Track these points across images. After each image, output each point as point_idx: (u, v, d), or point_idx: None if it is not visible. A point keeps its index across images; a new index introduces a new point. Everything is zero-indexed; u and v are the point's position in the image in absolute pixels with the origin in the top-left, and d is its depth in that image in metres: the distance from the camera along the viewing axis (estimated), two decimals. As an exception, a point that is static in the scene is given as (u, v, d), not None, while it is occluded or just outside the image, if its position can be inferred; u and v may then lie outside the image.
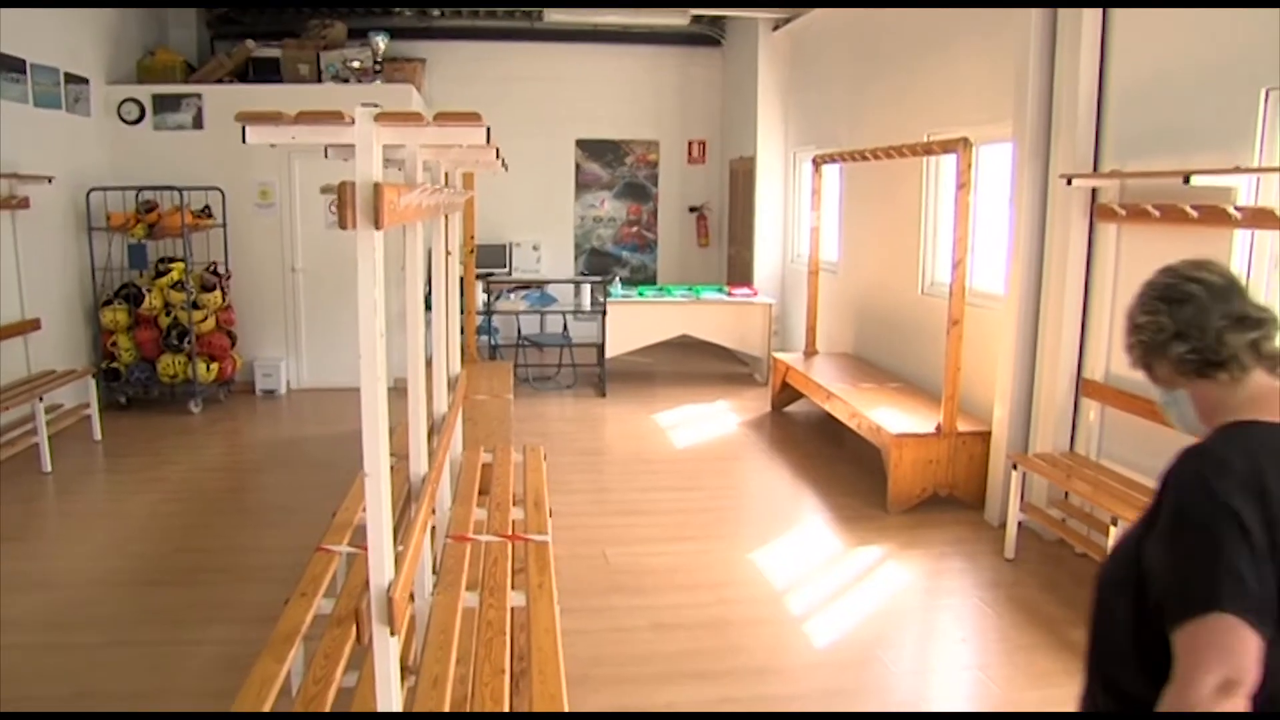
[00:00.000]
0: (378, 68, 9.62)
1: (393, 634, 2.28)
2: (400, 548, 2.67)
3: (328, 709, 2.79)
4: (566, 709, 2.72)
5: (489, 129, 2.37)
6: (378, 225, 2.09)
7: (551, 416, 8.62)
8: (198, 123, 8.88)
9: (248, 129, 2.20)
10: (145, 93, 8.84)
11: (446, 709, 2.67)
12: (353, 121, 2.14)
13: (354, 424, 7.51)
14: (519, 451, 5.32)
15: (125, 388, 8.36)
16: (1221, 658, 1.46)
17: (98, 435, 7.41)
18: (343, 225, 2.07)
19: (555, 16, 9.71)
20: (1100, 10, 5.08)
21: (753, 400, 8.97)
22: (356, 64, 9.41)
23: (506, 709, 2.74)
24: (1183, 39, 4.61)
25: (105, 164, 8.50)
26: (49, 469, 6.56)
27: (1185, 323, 1.80)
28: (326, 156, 3.06)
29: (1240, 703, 1.44)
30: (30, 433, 6.63)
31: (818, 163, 8.35)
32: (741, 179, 11.02)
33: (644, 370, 10.24)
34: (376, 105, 2.22)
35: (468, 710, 2.83)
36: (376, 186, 2.06)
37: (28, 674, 3.86)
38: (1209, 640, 1.48)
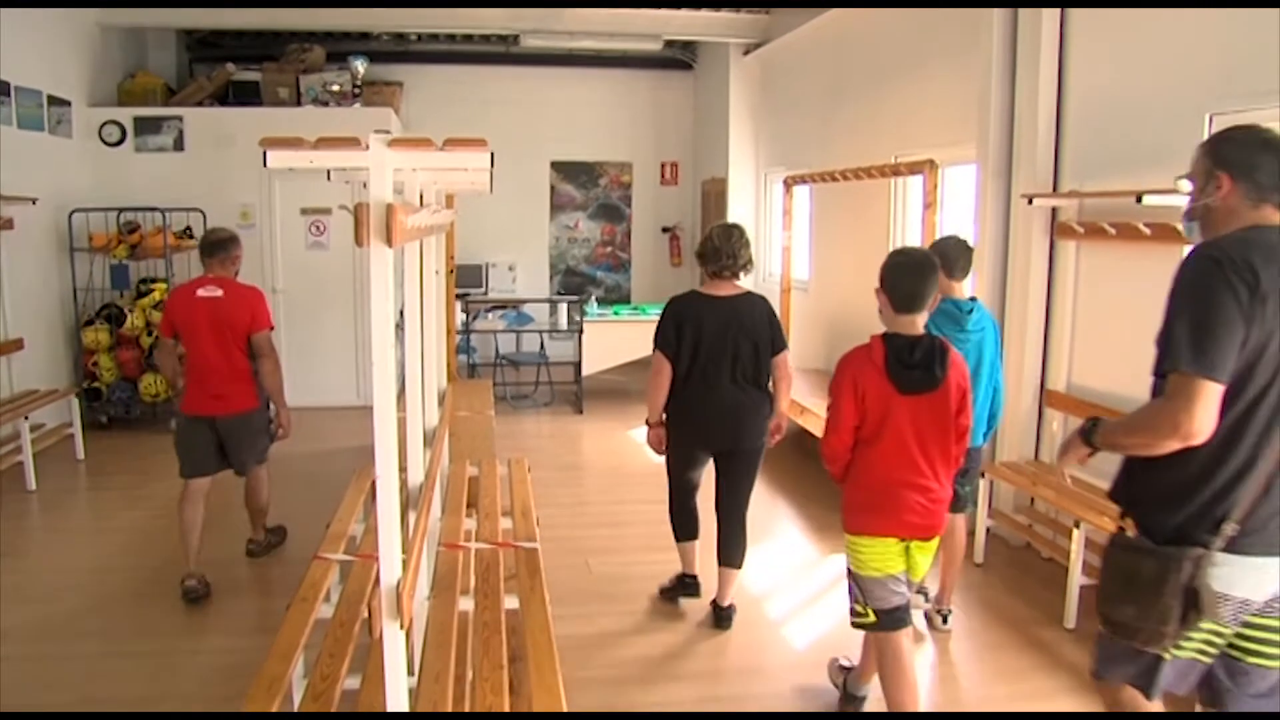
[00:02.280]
0: (357, 91, 9.77)
1: (402, 627, 2.43)
2: (404, 556, 2.82)
3: (334, 708, 2.92)
4: (564, 702, 2.87)
5: (493, 154, 2.54)
6: (389, 243, 2.24)
7: (530, 433, 8.76)
8: (179, 145, 8.99)
9: (268, 153, 2.35)
10: (126, 115, 8.94)
11: (449, 703, 2.80)
12: (368, 147, 2.30)
13: (336, 441, 7.66)
14: (504, 465, 5.47)
15: (107, 407, 8.41)
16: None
17: (80, 455, 7.47)
18: (358, 243, 2.23)
19: (531, 42, 9.89)
20: (1057, 38, 5.34)
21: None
22: (336, 87, 9.57)
23: (506, 701, 2.88)
24: (1134, 67, 4.88)
25: (87, 185, 8.58)
26: (34, 487, 6.62)
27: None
28: (330, 179, 3.21)
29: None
30: (14, 452, 6.68)
31: (789, 184, 8.55)
32: (714, 200, 11.24)
33: (620, 388, 10.39)
34: (388, 132, 2.38)
35: (469, 704, 2.97)
36: (389, 207, 2.21)
37: (30, 684, 3.95)
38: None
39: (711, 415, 4.46)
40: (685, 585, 4.84)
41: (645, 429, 4.70)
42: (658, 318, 4.55)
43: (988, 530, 5.43)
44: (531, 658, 3.09)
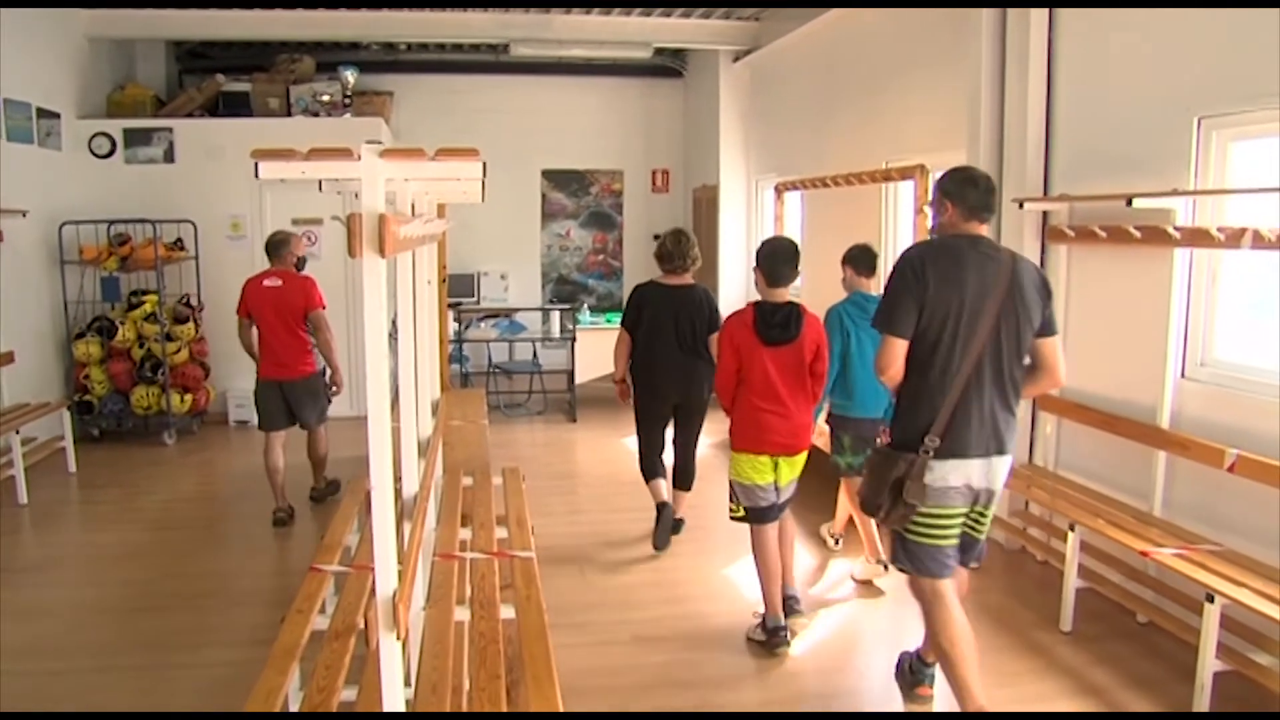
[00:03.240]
0: (347, 101, 9.76)
1: (398, 638, 2.42)
2: (400, 567, 2.81)
3: (330, 718, 2.91)
4: (562, 710, 2.86)
5: (485, 164, 2.54)
6: (382, 254, 2.24)
7: (524, 442, 8.75)
8: (169, 156, 8.98)
9: (260, 164, 2.35)
10: (116, 127, 8.93)
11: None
12: (360, 158, 2.30)
13: (330, 452, 7.55)
14: (498, 475, 5.46)
15: (98, 420, 8.39)
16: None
17: (72, 468, 7.44)
18: (351, 254, 2.22)
19: (520, 50, 9.89)
20: (1045, 42, 5.36)
21: (720, 423, 9.05)
22: (326, 98, 9.55)
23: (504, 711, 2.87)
24: (1123, 72, 4.90)
25: (77, 198, 8.55)
26: (25, 501, 6.59)
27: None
28: (321, 190, 3.20)
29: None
30: (5, 466, 6.65)
31: (780, 190, 8.58)
32: (705, 207, 11.25)
33: (613, 396, 10.33)
34: (380, 142, 2.38)
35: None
36: (382, 218, 2.21)
37: (25, 698, 3.93)
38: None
39: (666, 374, 5.82)
40: (659, 511, 5.89)
41: (617, 388, 6.14)
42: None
43: (983, 534, 5.43)
44: (528, 667, 3.08)
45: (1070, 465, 5.37)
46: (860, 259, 5.23)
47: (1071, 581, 4.57)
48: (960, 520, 3.52)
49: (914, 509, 3.45)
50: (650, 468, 6.01)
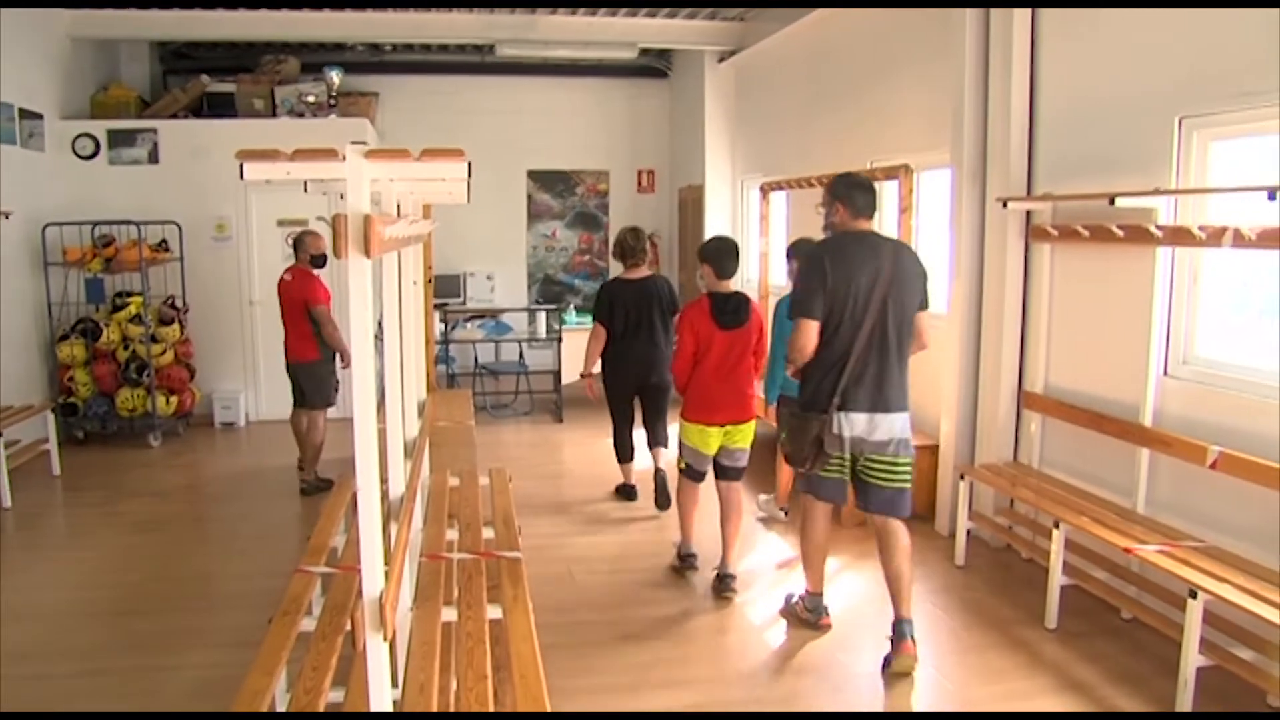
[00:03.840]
0: (332, 102, 9.74)
1: (385, 640, 2.42)
2: (386, 568, 2.81)
3: (317, 719, 2.91)
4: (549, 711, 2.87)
5: (470, 164, 2.54)
6: (367, 255, 2.24)
7: (510, 442, 8.74)
8: (153, 157, 8.94)
9: (245, 165, 2.35)
10: (100, 128, 8.88)
11: (433, 714, 2.80)
12: (345, 158, 2.29)
13: (321, 443, 7.45)
14: (485, 475, 5.45)
15: (83, 422, 8.35)
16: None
17: (56, 470, 7.39)
18: (336, 255, 2.22)
19: (506, 51, 9.88)
20: (1029, 43, 5.39)
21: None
22: (311, 98, 9.53)
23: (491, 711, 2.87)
24: (1105, 72, 4.94)
25: (61, 199, 8.51)
26: (8, 504, 6.55)
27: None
28: (306, 191, 3.20)
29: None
30: (-11, 468, 6.62)
31: (765, 190, 8.60)
32: (690, 207, 11.26)
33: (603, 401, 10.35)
34: (365, 143, 2.38)
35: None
36: (367, 218, 2.21)
37: (9, 704, 3.90)
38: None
39: (635, 359, 6.46)
40: (626, 492, 6.78)
41: (586, 382, 6.72)
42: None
43: (968, 532, 5.46)
44: (515, 668, 3.08)
45: (1054, 463, 5.40)
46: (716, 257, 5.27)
47: (1056, 579, 4.59)
48: (848, 461, 4.27)
49: (830, 455, 4.21)
50: (622, 446, 6.77)
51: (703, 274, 5.20)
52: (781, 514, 6.27)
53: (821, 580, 4.65)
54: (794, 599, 4.80)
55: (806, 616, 4.67)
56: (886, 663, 4.19)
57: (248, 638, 3.78)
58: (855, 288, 4.08)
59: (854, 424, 4.15)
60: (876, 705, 4.01)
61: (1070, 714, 3.86)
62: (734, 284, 5.12)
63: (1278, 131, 4.01)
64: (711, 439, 5.13)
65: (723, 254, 5.12)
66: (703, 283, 5.19)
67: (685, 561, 5.39)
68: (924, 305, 4.29)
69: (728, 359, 5.05)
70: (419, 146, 2.56)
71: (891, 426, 4.18)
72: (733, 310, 5.05)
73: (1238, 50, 4.11)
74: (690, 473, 5.29)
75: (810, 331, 4.13)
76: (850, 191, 4.26)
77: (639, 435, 6.78)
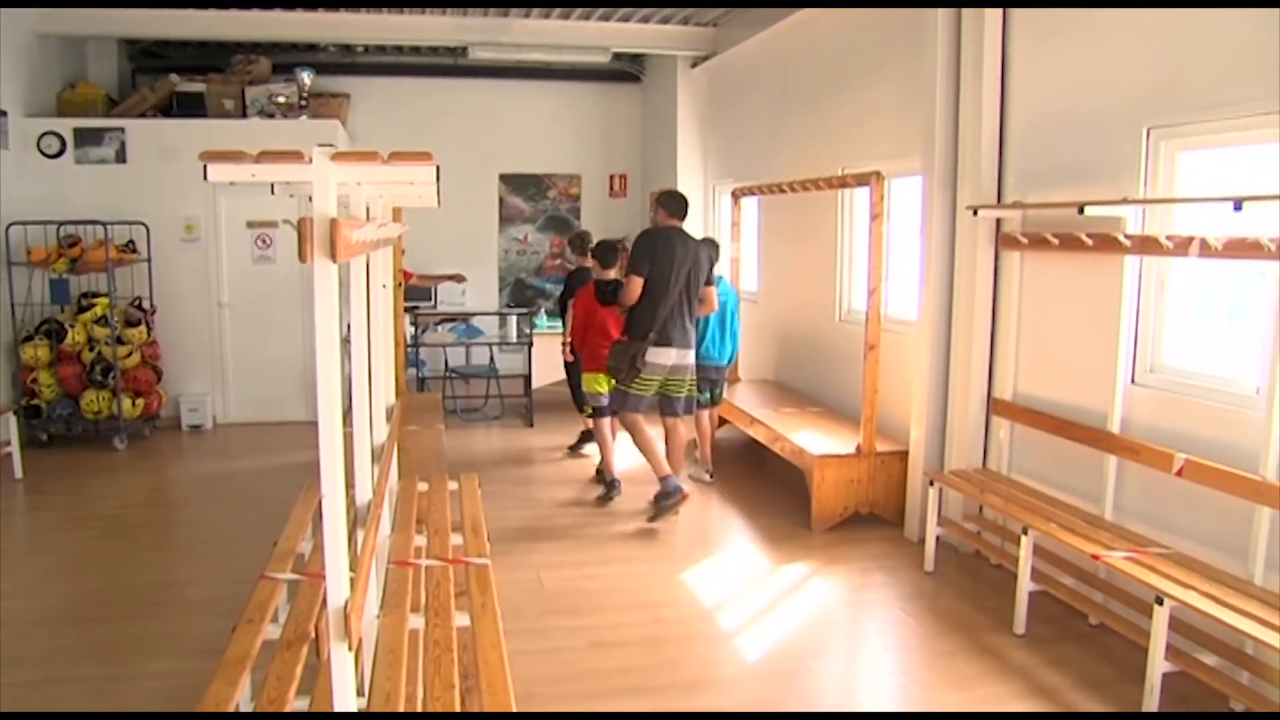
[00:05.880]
0: (303, 103, 9.66)
1: (350, 649, 2.39)
2: (351, 575, 2.77)
3: (282, 729, 2.87)
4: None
5: (438, 167, 2.51)
6: (334, 258, 2.20)
7: (480, 447, 8.70)
8: (121, 157, 8.82)
9: (209, 166, 2.31)
10: (66, 126, 8.75)
11: (399, 724, 2.77)
12: (311, 161, 2.26)
13: (282, 457, 7.56)
14: (453, 480, 5.41)
15: (47, 425, 8.22)
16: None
17: (19, 473, 7.28)
18: (301, 258, 2.19)
19: (479, 54, 9.84)
20: (999, 52, 5.43)
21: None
22: (282, 99, 9.45)
23: (458, 720, 2.85)
24: (1075, 82, 4.97)
25: (25, 198, 8.35)
26: (-31, 508, 6.45)
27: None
28: (273, 193, 3.15)
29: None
30: (-51, 472, 6.51)
31: (737, 195, 8.61)
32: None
33: (570, 401, 10.33)
34: (332, 145, 2.35)
35: (419, 724, 2.93)
36: (333, 222, 2.18)
37: (-36, 711, 3.84)
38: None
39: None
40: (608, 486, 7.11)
41: (563, 347, 8.11)
42: None
43: (937, 538, 5.48)
44: (483, 675, 3.05)
45: (1023, 470, 5.43)
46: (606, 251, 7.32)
47: (1024, 585, 4.62)
48: (657, 383, 6.31)
49: (639, 372, 6.20)
50: (580, 401, 8.00)
51: (593, 265, 7.28)
52: (706, 475, 7.36)
53: (663, 464, 6.35)
54: (653, 500, 6.32)
55: (669, 501, 6.20)
56: (655, 500, 6.26)
57: (211, 645, 3.72)
58: (671, 262, 6.17)
59: (668, 356, 6.23)
60: (845, 710, 4.01)
61: (1039, 713, 3.88)
62: (613, 273, 7.02)
63: (1244, 143, 4.06)
64: (601, 383, 6.97)
65: (605, 249, 7.21)
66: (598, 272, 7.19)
67: (610, 490, 6.85)
68: (710, 281, 6.45)
69: (608, 326, 6.89)
70: (391, 148, 2.53)
71: (685, 358, 6.32)
72: (611, 292, 6.75)
73: (1205, 63, 4.15)
74: (597, 411, 7.06)
75: (637, 285, 6.17)
76: (669, 201, 6.49)
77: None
